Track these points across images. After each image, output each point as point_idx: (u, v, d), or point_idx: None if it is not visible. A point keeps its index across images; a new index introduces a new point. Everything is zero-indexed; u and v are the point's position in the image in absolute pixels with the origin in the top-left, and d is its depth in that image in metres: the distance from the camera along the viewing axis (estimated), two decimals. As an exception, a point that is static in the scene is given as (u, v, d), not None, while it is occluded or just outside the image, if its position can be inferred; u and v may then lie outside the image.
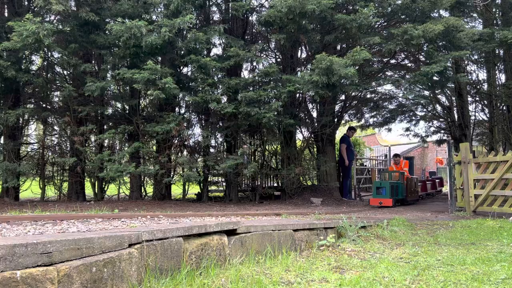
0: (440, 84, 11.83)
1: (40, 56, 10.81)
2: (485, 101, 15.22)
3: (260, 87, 10.30)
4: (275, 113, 9.79)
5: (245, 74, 12.58)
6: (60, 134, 11.64)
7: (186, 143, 11.36)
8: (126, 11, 9.38)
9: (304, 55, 13.01)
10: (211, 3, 11.54)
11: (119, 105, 11.69)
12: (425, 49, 10.98)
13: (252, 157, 12.84)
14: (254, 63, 11.95)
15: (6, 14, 10.56)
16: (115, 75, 9.35)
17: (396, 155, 14.17)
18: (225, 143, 12.11)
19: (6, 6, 10.59)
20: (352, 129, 13.82)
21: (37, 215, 4.40)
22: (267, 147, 13.33)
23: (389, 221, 6.20)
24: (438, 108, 15.90)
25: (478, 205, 8.74)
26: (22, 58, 9.41)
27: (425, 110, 16.51)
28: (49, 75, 11.06)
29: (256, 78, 10.63)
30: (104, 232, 2.71)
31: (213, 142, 12.02)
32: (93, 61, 10.86)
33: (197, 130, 12.20)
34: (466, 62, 14.28)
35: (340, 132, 16.36)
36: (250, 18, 12.22)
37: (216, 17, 12.29)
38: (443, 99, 15.38)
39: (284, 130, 11.33)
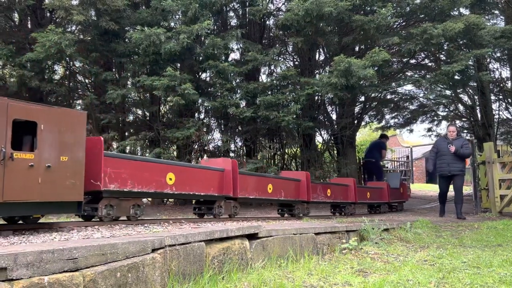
0: (462, 83, 11.63)
1: (62, 65, 11.04)
2: (509, 99, 14.87)
3: (279, 90, 10.30)
4: (294, 116, 9.76)
5: (263, 78, 12.61)
6: (83, 142, 11.84)
7: (206, 148, 11.43)
8: (145, 19, 9.52)
9: (322, 58, 12.96)
10: (228, 9, 11.61)
11: (139, 112, 11.84)
12: (445, 48, 10.81)
13: (272, 161, 12.82)
14: (272, 67, 11.96)
15: (29, 26, 10.83)
16: (135, 82, 9.48)
17: None
18: (244, 147, 12.14)
19: (29, 18, 10.86)
20: (385, 137, 13.60)
21: (62, 221, 4.49)
22: (286, 151, 13.30)
23: (412, 223, 6.11)
24: (461, 107, 15.61)
25: (504, 206, 8.54)
26: (45, 68, 9.62)
27: (447, 110, 16.22)
28: (71, 84, 11.28)
29: (274, 81, 10.64)
30: (128, 238, 2.75)
31: (232, 146, 12.08)
32: (113, 69, 11.03)
33: (216, 135, 12.27)
34: (488, 60, 13.99)
35: (361, 134, 16.19)
36: (267, 22, 12.25)
37: (234, 22, 12.36)
38: (465, 98, 15.08)
39: (304, 133, 11.29)
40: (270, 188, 6.11)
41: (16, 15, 10.92)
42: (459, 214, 8.12)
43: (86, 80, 11.55)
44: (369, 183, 11.46)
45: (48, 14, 10.73)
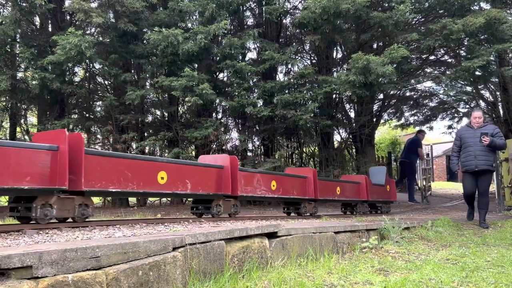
0: (483, 79, 11.41)
1: (82, 67, 11.22)
2: (532, 95, 14.53)
3: (296, 89, 10.28)
4: (312, 114, 9.73)
5: (280, 77, 12.61)
6: (103, 143, 12.01)
7: (224, 147, 11.48)
8: (162, 20, 9.60)
9: (339, 55, 12.90)
10: (244, 8, 11.63)
11: (158, 112, 11.96)
12: (465, 43, 10.64)
13: (290, 160, 12.80)
14: (289, 66, 11.94)
15: (50, 29, 11.04)
16: (154, 83, 9.58)
17: None
18: (262, 147, 12.15)
19: (50, 21, 11.07)
20: (422, 132, 13.01)
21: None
22: (304, 149, 13.26)
23: (433, 221, 6.02)
24: (482, 104, 15.31)
25: (529, 204, 8.36)
26: (65, 70, 9.79)
27: (468, 106, 15.93)
28: (91, 85, 11.46)
29: (292, 80, 10.61)
30: (149, 236, 2.78)
31: (250, 145, 12.10)
32: (132, 71, 11.17)
33: (234, 134, 12.33)
34: (510, 55, 13.70)
35: (380, 132, 16.00)
36: (284, 21, 12.23)
37: (250, 21, 12.38)
38: (486, 94, 14.80)
39: (322, 132, 11.24)
40: (163, 178, 4.35)
41: (37, 18, 11.15)
42: (482, 223, 6.60)
43: (106, 82, 11.72)
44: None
45: (68, 17, 10.93)
